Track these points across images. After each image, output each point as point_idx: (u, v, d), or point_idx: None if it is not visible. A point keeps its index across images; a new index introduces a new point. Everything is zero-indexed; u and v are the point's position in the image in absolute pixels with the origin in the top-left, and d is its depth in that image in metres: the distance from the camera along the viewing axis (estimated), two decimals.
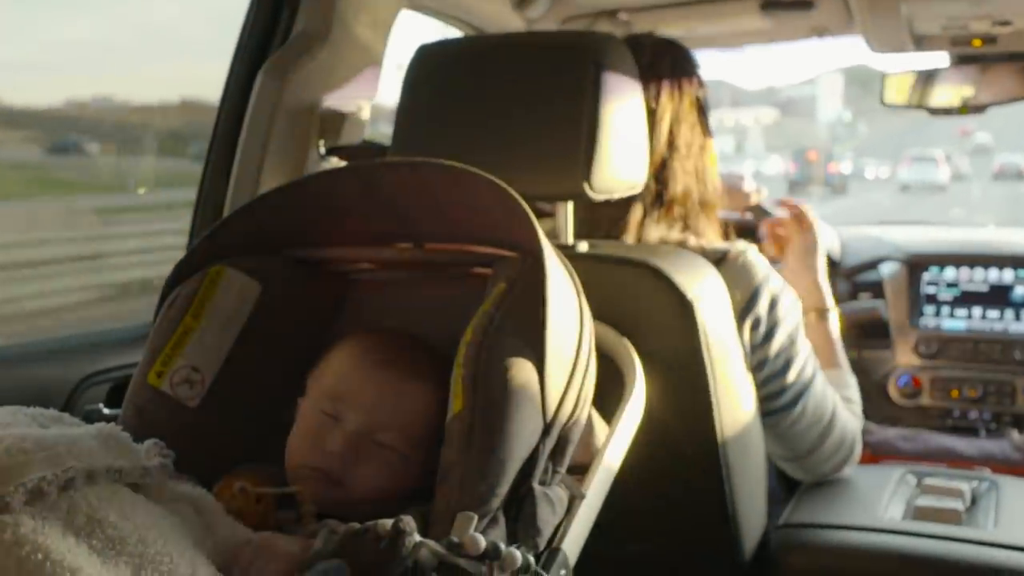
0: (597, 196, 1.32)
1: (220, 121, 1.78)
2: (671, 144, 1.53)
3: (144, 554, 0.75)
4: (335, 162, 1.82)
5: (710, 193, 1.58)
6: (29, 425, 0.83)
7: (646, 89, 1.44)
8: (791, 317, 1.51)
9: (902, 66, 2.52)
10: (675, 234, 1.53)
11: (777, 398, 1.51)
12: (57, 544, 0.71)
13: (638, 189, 1.40)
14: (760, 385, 1.50)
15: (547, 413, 0.95)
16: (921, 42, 2.17)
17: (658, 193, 1.51)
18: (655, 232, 1.52)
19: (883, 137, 50.03)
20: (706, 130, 1.58)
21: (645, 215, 1.52)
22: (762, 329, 1.47)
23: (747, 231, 2.13)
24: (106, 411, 1.21)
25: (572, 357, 0.99)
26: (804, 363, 1.52)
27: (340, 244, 1.18)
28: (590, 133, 1.29)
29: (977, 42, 2.13)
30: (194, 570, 0.78)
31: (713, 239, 1.57)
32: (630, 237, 1.51)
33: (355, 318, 1.21)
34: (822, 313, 1.78)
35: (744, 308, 1.46)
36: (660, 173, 1.51)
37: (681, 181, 1.54)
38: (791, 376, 1.50)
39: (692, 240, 1.52)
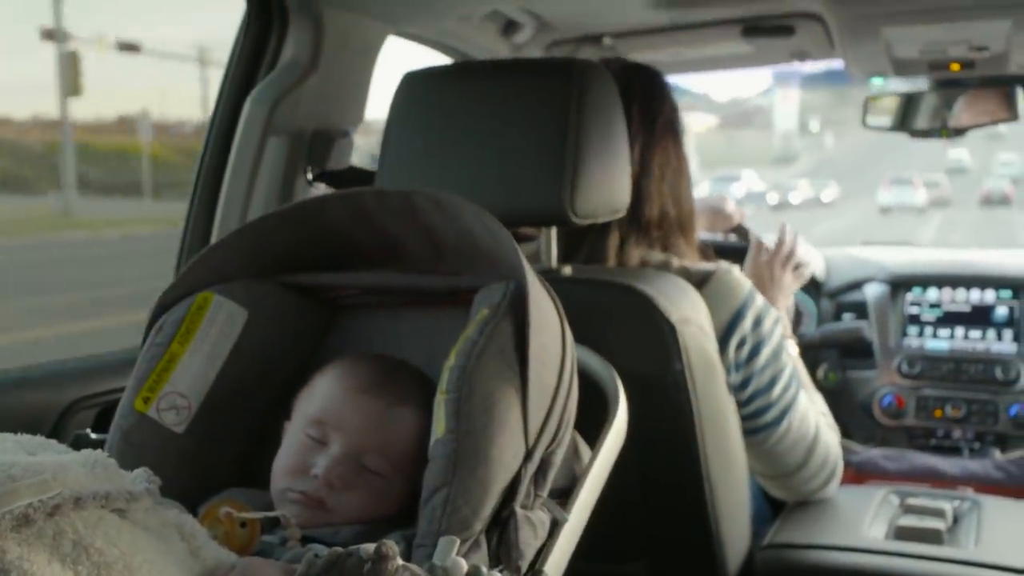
0: (581, 221, 1.33)
1: (208, 147, 1.79)
2: (644, 167, 1.54)
3: None
4: (323, 188, 1.84)
5: (687, 215, 1.60)
6: (16, 452, 0.84)
7: None
8: (775, 334, 1.53)
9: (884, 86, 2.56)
10: (656, 255, 1.55)
11: (763, 415, 1.53)
12: (43, 571, 0.71)
13: (621, 213, 1.42)
14: (746, 402, 1.52)
15: (529, 437, 0.96)
16: (900, 66, 2.20)
17: (634, 216, 1.52)
18: (635, 255, 1.54)
19: (850, 150, 44.29)
20: (680, 152, 1.60)
21: (623, 239, 1.54)
22: (747, 347, 1.49)
23: (730, 252, 2.16)
24: (94, 436, 1.22)
25: (554, 381, 1.01)
26: (789, 380, 1.54)
27: (327, 270, 1.19)
28: (574, 158, 1.31)
29: (955, 66, 2.16)
30: None
31: (693, 260, 1.58)
32: (610, 261, 1.53)
33: (341, 343, 1.22)
34: None
35: (729, 327, 1.48)
36: (634, 196, 1.52)
37: (656, 203, 1.55)
38: (776, 392, 1.52)
39: (675, 261, 1.54)
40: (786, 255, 1.90)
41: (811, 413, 1.61)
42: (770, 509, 1.83)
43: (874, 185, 31.86)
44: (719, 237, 2.33)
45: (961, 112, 2.40)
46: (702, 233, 2.25)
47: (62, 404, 1.54)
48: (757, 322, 1.50)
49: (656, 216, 1.55)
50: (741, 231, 2.25)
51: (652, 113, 1.56)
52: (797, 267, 1.94)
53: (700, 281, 1.49)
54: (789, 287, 1.92)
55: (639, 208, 1.53)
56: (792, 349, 1.81)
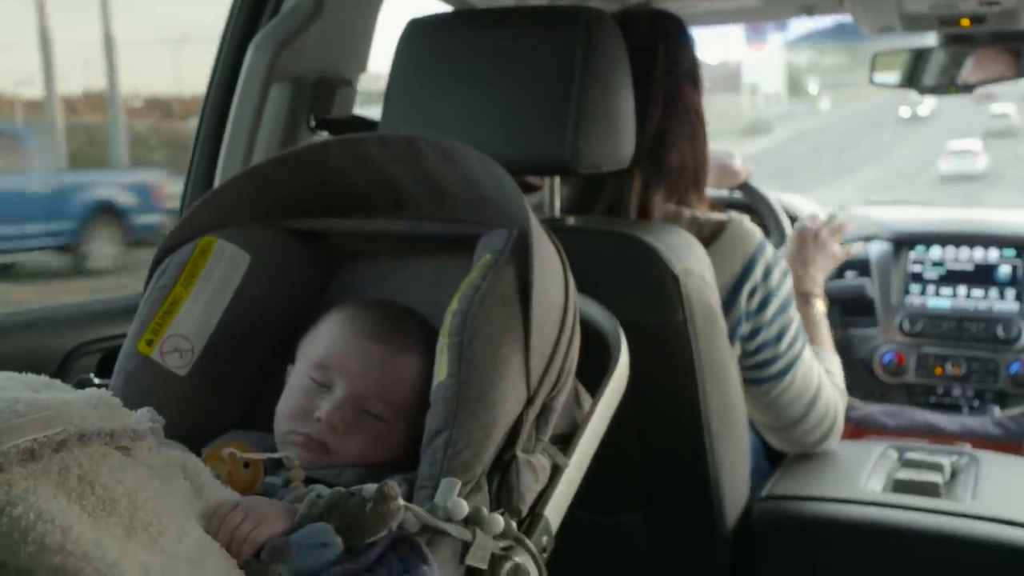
0: (584, 170, 1.33)
1: (211, 94, 1.79)
2: (667, 114, 1.54)
3: (135, 515, 0.77)
4: (325, 135, 1.83)
5: (702, 166, 1.61)
6: (21, 389, 0.84)
7: (642, 60, 1.46)
8: (784, 287, 1.54)
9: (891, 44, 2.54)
10: (669, 207, 1.55)
11: (769, 366, 1.54)
12: (49, 504, 0.72)
13: (626, 163, 1.41)
14: (753, 353, 1.53)
15: (531, 383, 0.97)
16: (909, 21, 2.18)
17: (656, 163, 1.53)
18: (657, 203, 1.53)
19: (842, 119, 35.93)
20: (699, 104, 1.60)
21: (645, 188, 1.53)
22: (757, 297, 1.50)
23: (736, 209, 2.15)
24: (97, 380, 1.22)
25: (556, 328, 1.01)
26: (796, 333, 1.55)
27: (330, 215, 1.19)
28: (577, 107, 1.30)
29: (965, 21, 2.14)
30: (183, 532, 0.80)
31: (704, 211, 1.59)
32: (632, 210, 1.53)
33: (345, 288, 1.22)
34: (805, 298, 1.80)
35: (741, 275, 1.49)
36: (657, 145, 1.53)
37: (677, 153, 1.56)
38: (783, 345, 1.53)
39: (686, 212, 1.54)
40: (836, 227, 1.91)
41: (815, 368, 1.62)
42: (769, 464, 1.85)
43: (838, 174, 25.75)
44: (724, 193, 2.33)
45: (970, 69, 2.39)
46: (709, 189, 2.25)
47: (65, 349, 1.54)
48: (767, 272, 1.51)
49: (676, 166, 1.55)
50: (748, 188, 2.24)
51: (676, 61, 1.56)
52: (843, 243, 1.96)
53: (714, 231, 1.50)
54: (835, 255, 1.91)
55: (662, 155, 1.54)
56: (820, 307, 1.82)
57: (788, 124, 37.64)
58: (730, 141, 30.12)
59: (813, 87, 43.98)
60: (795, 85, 43.43)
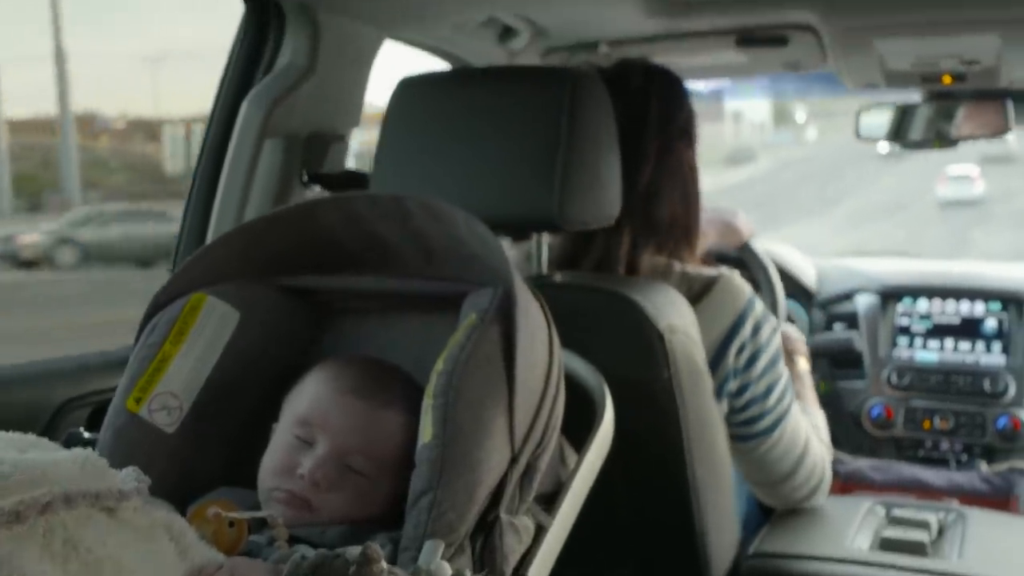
0: (569, 227, 1.35)
1: (205, 149, 1.80)
2: (659, 169, 1.55)
3: None
4: (318, 191, 1.85)
5: (694, 221, 1.61)
6: (7, 450, 0.85)
7: (636, 115, 1.47)
8: (773, 343, 1.54)
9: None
10: (660, 260, 1.56)
11: (757, 423, 1.54)
12: (33, 567, 0.72)
13: (612, 221, 1.43)
14: (741, 409, 1.53)
15: (515, 442, 0.97)
16: (893, 78, 2.22)
17: (646, 219, 1.54)
18: (646, 259, 1.54)
19: (834, 148, 33.44)
20: (692, 158, 1.62)
21: (634, 243, 1.54)
22: (746, 354, 1.50)
23: (727, 261, 2.16)
24: (86, 435, 1.22)
25: (541, 387, 1.02)
26: (784, 389, 1.55)
27: (320, 273, 1.20)
28: (563, 166, 1.32)
29: (947, 79, 2.18)
30: None
31: (696, 266, 1.59)
32: (621, 266, 1.53)
33: (332, 345, 1.23)
34: (789, 355, 1.80)
35: (730, 332, 1.49)
36: (648, 200, 1.54)
37: (668, 206, 1.56)
38: (771, 401, 1.53)
39: (677, 266, 1.55)
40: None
41: (803, 424, 1.62)
42: (762, 513, 1.85)
43: (825, 204, 24.69)
44: (724, 249, 2.33)
45: (955, 124, 2.42)
46: (709, 243, 2.25)
47: (55, 402, 1.54)
48: (756, 329, 1.51)
49: (667, 219, 1.56)
50: (747, 251, 2.24)
51: (670, 115, 1.57)
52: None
53: (704, 286, 1.50)
54: (800, 341, 1.92)
55: (652, 209, 1.54)
56: (803, 364, 1.83)
57: (774, 153, 36.37)
58: (711, 170, 27.11)
59: (800, 115, 41.73)
60: (781, 114, 41.24)
